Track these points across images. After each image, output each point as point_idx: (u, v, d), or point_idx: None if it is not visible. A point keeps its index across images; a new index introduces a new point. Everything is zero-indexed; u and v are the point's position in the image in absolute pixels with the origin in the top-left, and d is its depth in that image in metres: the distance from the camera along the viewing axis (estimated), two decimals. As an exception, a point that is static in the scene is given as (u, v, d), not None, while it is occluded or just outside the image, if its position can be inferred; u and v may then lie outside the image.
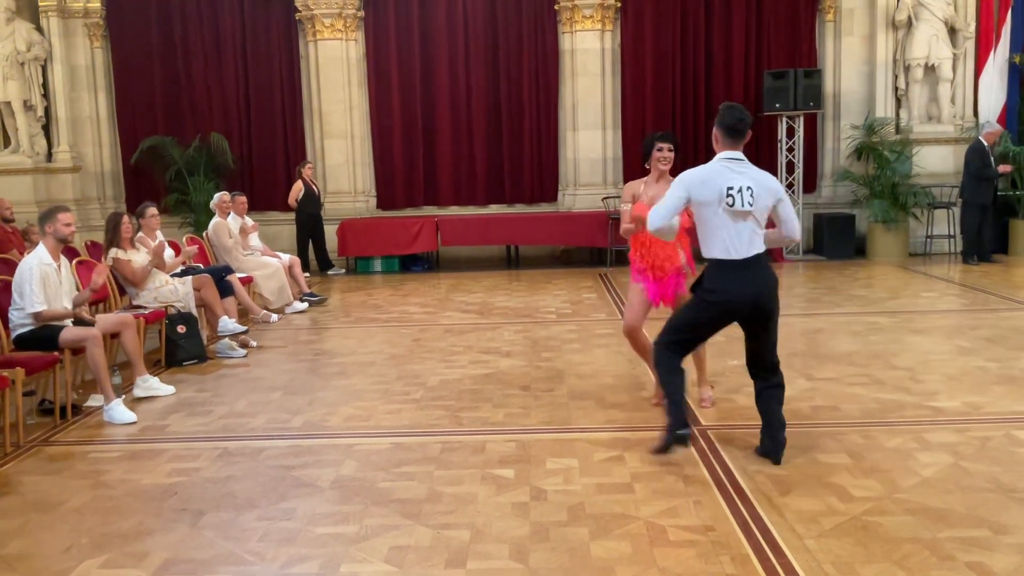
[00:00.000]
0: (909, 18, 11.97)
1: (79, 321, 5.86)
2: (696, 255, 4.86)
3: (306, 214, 11.95)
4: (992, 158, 11.18)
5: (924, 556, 3.35)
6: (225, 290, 7.97)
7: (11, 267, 6.29)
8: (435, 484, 4.26)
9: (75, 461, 4.85)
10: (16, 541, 3.79)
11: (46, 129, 12.76)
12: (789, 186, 12.49)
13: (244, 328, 7.73)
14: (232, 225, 9.52)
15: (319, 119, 12.96)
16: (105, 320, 6.06)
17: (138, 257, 7.27)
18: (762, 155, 12.75)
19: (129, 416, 5.53)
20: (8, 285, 5.77)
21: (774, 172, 12.51)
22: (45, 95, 12.64)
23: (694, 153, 12.18)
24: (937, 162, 12.11)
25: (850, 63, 12.58)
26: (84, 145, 13.05)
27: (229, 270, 8.52)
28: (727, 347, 6.08)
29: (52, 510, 4.12)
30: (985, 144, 11.15)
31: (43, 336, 5.62)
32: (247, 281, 8.93)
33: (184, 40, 12.92)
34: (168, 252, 7.75)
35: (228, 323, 7.56)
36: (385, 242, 12.34)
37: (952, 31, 12.01)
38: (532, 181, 13.10)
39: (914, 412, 5.21)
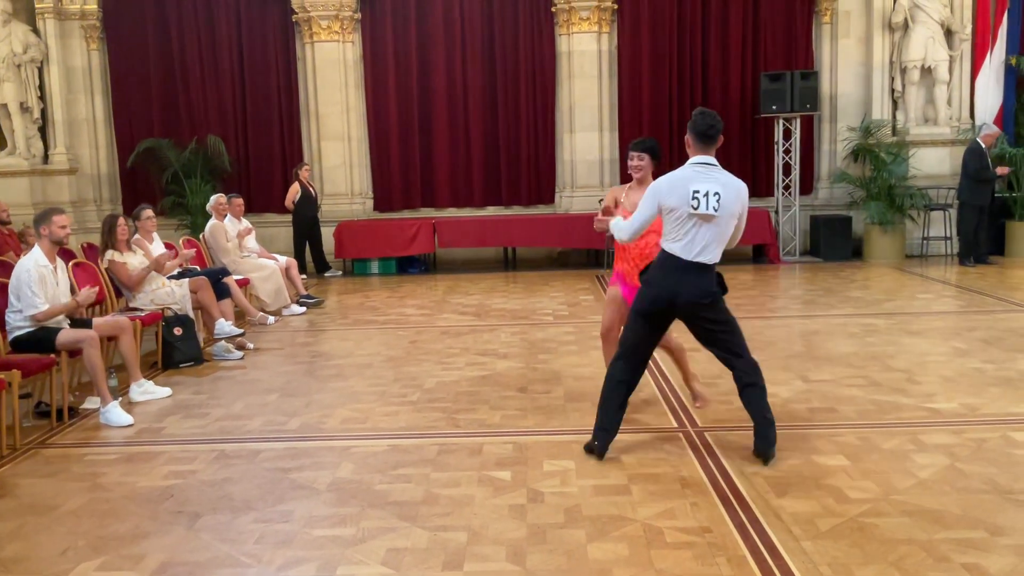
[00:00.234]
0: (905, 20, 12.01)
1: (76, 322, 5.85)
2: None
3: (303, 216, 11.95)
4: (989, 160, 11.20)
5: (920, 557, 3.36)
6: (222, 292, 7.97)
7: (8, 269, 6.27)
8: (432, 486, 4.25)
9: (71, 464, 4.85)
10: (12, 544, 3.78)
11: (42, 131, 12.76)
12: (786, 188, 12.52)
13: (241, 330, 7.74)
14: (229, 227, 9.52)
15: (316, 121, 12.96)
16: (102, 324, 6.06)
17: (134, 260, 7.26)
18: (759, 157, 12.81)
19: (126, 419, 5.52)
20: (5, 288, 5.76)
21: (770, 174, 12.62)
22: (41, 97, 12.64)
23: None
24: (934, 164, 12.15)
25: (846, 65, 12.60)
26: (80, 147, 13.04)
27: (226, 272, 8.52)
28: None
29: (48, 513, 4.12)
30: (983, 146, 11.18)
31: (40, 338, 5.61)
32: (244, 283, 8.93)
33: (181, 42, 12.92)
34: (164, 253, 7.71)
35: (225, 325, 7.56)
36: (382, 244, 12.35)
37: (948, 33, 12.04)
38: (529, 183, 13.11)
39: (910, 414, 5.22)
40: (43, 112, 12.68)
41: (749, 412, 4.50)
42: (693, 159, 4.40)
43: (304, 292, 9.96)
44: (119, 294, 7.38)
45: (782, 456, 4.45)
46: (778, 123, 12.36)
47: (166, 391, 6.18)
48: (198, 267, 8.64)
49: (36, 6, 12.52)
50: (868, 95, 12.42)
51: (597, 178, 12.88)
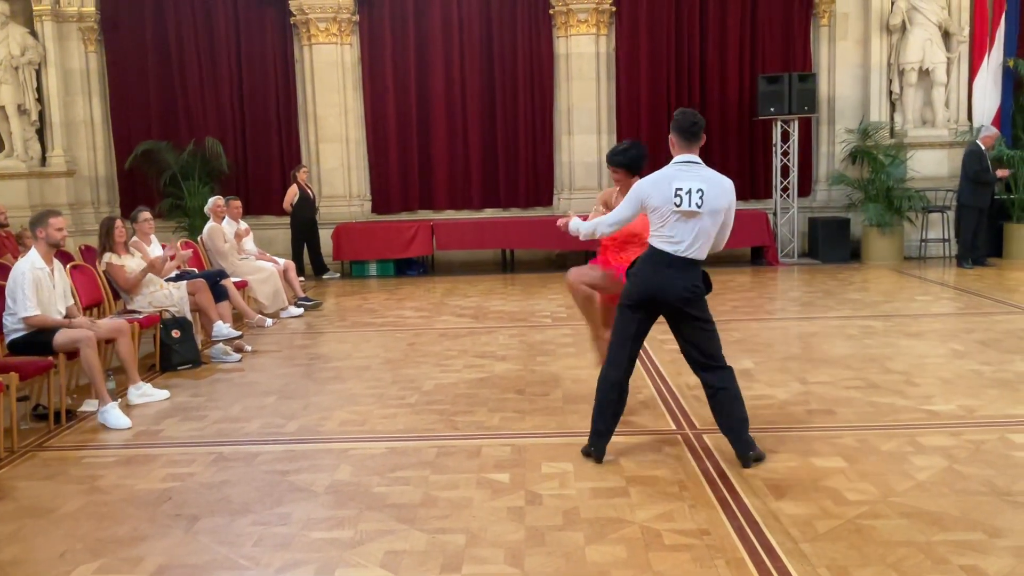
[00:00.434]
0: (903, 22, 12.02)
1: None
2: None
3: (301, 218, 11.95)
4: (989, 162, 11.21)
5: (918, 560, 3.36)
6: (220, 294, 7.96)
7: (5, 272, 6.27)
8: (430, 489, 4.25)
9: (69, 466, 4.84)
10: (10, 547, 3.78)
11: (40, 133, 12.73)
12: (784, 190, 12.53)
13: (239, 333, 7.73)
14: (227, 229, 9.51)
15: (314, 123, 12.95)
16: (101, 326, 6.05)
17: (132, 262, 7.25)
18: (757, 159, 12.82)
19: (124, 421, 5.51)
20: (2, 290, 5.75)
21: (769, 176, 12.62)
22: (39, 99, 12.62)
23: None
24: (932, 166, 12.16)
25: (844, 67, 12.61)
26: (78, 149, 13.02)
27: (224, 274, 8.51)
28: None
29: (46, 515, 4.11)
30: (983, 148, 11.18)
31: (37, 341, 5.61)
32: (242, 285, 8.92)
33: (179, 44, 12.89)
34: (162, 253, 7.70)
35: (223, 328, 7.55)
36: (380, 246, 12.33)
37: (946, 35, 12.05)
38: (527, 185, 13.10)
39: (908, 416, 5.22)
40: (41, 114, 12.66)
41: (718, 417, 4.48)
42: (677, 158, 4.43)
43: (302, 294, 9.95)
44: (117, 297, 7.37)
45: (780, 458, 4.45)
46: (776, 125, 12.36)
47: (164, 393, 6.18)
48: (196, 269, 8.64)
49: (34, 8, 12.49)
50: (866, 97, 12.42)
51: (595, 180, 12.87)
